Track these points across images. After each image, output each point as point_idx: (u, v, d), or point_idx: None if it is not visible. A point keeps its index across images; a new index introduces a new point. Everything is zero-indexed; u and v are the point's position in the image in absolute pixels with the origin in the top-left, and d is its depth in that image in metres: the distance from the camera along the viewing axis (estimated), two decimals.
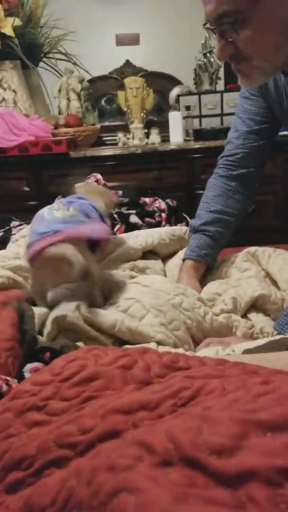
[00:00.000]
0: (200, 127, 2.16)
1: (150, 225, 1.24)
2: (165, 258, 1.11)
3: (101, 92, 2.51)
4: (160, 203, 1.33)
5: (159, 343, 0.73)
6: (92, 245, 0.81)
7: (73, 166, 1.94)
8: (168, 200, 1.35)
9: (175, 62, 2.47)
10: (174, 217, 1.33)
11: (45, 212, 0.78)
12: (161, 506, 0.23)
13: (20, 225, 1.25)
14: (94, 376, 0.40)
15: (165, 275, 1.05)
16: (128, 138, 2.16)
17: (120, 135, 2.17)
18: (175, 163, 2.00)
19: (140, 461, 0.27)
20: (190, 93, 2.24)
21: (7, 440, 0.37)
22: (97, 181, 1.32)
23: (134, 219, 1.23)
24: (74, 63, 2.15)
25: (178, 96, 2.19)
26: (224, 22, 0.70)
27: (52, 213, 0.77)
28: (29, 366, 0.57)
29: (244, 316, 0.86)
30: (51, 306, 0.78)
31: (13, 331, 0.62)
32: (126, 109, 2.26)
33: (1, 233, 1.20)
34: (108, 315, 0.75)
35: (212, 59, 2.22)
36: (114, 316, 0.74)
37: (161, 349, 0.70)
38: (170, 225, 1.27)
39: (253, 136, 1.03)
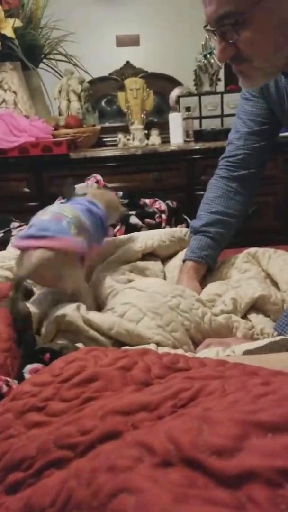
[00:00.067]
0: (200, 128, 2.16)
1: (150, 226, 1.24)
2: (165, 259, 1.11)
3: (101, 93, 2.52)
4: (160, 204, 1.33)
5: (158, 344, 0.73)
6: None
7: (73, 167, 1.94)
8: (168, 201, 1.35)
9: (175, 63, 2.47)
10: (174, 218, 1.33)
11: (54, 205, 0.83)
12: (161, 507, 0.23)
13: (20, 226, 1.25)
14: (94, 377, 0.40)
15: (164, 276, 1.05)
16: (128, 139, 2.16)
17: (120, 136, 2.17)
18: (175, 164, 2.00)
19: (140, 461, 0.27)
20: (190, 94, 2.24)
21: (7, 441, 0.37)
22: (97, 182, 1.32)
23: (134, 220, 1.23)
24: (75, 64, 2.15)
25: (178, 97, 2.19)
26: (225, 23, 0.71)
27: (60, 212, 0.79)
28: (29, 367, 0.58)
29: (244, 317, 0.86)
30: (51, 305, 0.78)
31: (10, 331, 0.62)
32: (126, 110, 2.26)
33: (1, 234, 1.20)
34: (105, 317, 0.75)
35: (212, 60, 2.23)
36: (111, 319, 0.74)
37: (161, 350, 0.70)
38: (170, 226, 1.27)
39: (254, 137, 1.03)
